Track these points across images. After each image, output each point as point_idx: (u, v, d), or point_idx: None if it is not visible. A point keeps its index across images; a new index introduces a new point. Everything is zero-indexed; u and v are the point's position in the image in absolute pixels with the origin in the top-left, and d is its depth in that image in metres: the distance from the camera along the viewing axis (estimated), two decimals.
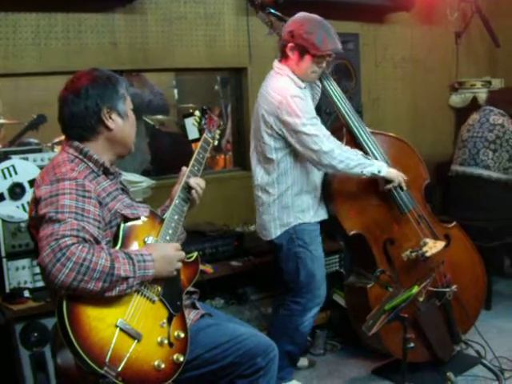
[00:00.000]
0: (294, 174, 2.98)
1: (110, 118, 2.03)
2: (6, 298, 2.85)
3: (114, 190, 2.04)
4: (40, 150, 3.13)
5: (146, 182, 3.39)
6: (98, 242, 1.84)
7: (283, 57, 2.97)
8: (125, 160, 3.84)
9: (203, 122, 2.35)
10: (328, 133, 2.92)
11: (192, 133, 2.39)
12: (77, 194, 1.86)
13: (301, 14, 2.94)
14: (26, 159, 2.98)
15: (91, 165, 2.00)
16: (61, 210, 1.80)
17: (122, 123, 2.07)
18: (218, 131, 2.41)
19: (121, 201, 2.03)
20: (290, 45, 2.90)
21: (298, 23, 2.89)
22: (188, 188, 2.18)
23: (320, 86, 3.18)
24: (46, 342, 2.80)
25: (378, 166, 2.97)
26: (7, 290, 2.87)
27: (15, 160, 2.94)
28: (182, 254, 2.03)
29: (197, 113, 2.37)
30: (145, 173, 4.01)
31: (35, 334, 2.79)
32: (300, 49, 2.88)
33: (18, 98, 4.30)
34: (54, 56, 3.41)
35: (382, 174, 2.98)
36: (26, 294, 2.86)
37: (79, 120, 2.01)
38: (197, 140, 2.34)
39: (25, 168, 2.93)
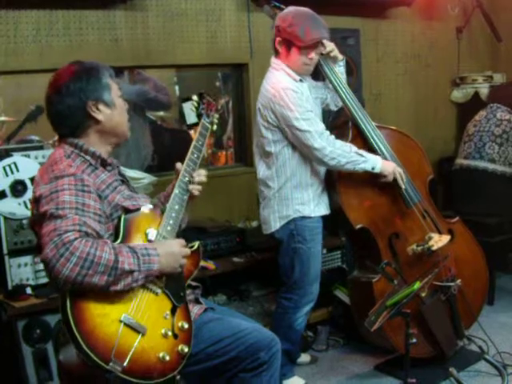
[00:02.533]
0: (292, 166, 2.98)
1: (97, 109, 2.01)
2: (9, 295, 2.85)
3: (113, 181, 2.03)
4: (41, 147, 3.12)
5: (147, 178, 3.39)
6: (100, 236, 1.85)
7: (275, 52, 3.00)
8: (130, 156, 3.89)
9: (201, 107, 2.32)
10: (321, 128, 2.91)
11: (190, 118, 2.37)
12: (76, 189, 1.86)
13: (288, 9, 2.96)
14: (28, 156, 2.98)
15: (88, 158, 2.00)
16: (61, 206, 1.80)
17: (111, 112, 2.04)
18: (217, 115, 2.38)
19: (121, 192, 2.03)
20: (278, 39, 2.94)
21: (282, 18, 2.92)
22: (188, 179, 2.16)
23: (326, 87, 3.20)
24: (49, 338, 2.80)
25: (372, 163, 2.96)
26: (9, 287, 2.87)
27: (17, 157, 2.94)
28: (188, 251, 2.02)
29: (194, 97, 2.33)
30: (148, 168, 4.01)
31: (37, 331, 2.79)
32: (286, 42, 2.92)
33: (19, 96, 4.29)
34: (55, 53, 3.41)
35: (376, 171, 2.97)
36: (29, 290, 2.86)
37: (66, 118, 2.00)
38: (195, 125, 2.31)
39: (26, 165, 2.93)
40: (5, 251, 2.88)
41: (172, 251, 1.95)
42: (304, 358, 3.46)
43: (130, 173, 3.32)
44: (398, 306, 2.56)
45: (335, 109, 3.29)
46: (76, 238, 1.74)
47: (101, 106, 2.02)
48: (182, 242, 2.02)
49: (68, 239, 1.73)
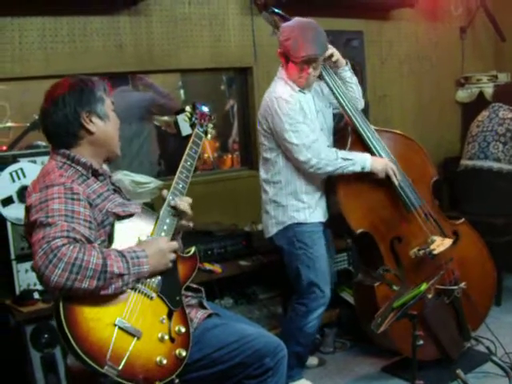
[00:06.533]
0: (286, 174, 3.01)
1: (91, 121, 2.05)
2: (16, 300, 2.87)
3: (104, 191, 2.05)
4: (48, 153, 3.13)
5: (153, 182, 3.40)
6: (89, 242, 1.85)
7: (281, 62, 3.03)
8: (136, 161, 3.90)
9: (194, 117, 2.33)
10: (309, 141, 2.90)
11: (185, 129, 2.39)
12: (65, 197, 1.88)
13: (292, 20, 2.97)
14: (34, 162, 3.01)
15: (80, 168, 2.02)
16: (51, 214, 1.82)
17: (103, 125, 2.08)
18: (211, 125, 2.39)
19: (112, 200, 2.04)
20: (279, 51, 2.97)
21: (282, 30, 2.94)
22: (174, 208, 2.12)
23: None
24: (57, 343, 2.81)
25: (361, 163, 2.96)
26: (17, 292, 2.89)
27: (23, 163, 2.97)
28: (174, 244, 2.02)
29: (187, 108, 2.35)
30: (154, 173, 4.02)
31: (45, 336, 2.81)
32: (284, 55, 2.95)
33: (25, 101, 4.32)
34: (60, 59, 3.43)
35: (366, 170, 2.98)
36: (36, 295, 2.87)
37: (61, 129, 2.03)
38: (190, 136, 2.32)
39: (33, 171, 2.93)
40: (12, 256, 2.90)
41: (159, 248, 1.95)
42: (311, 360, 3.46)
43: (136, 177, 3.34)
44: (404, 308, 2.56)
45: None
46: (64, 244, 1.75)
47: (94, 118, 2.06)
48: (167, 239, 2.02)
49: (56, 245, 1.74)
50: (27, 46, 3.34)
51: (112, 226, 1.98)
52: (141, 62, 3.71)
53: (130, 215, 2.03)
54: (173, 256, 2.00)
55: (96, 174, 2.06)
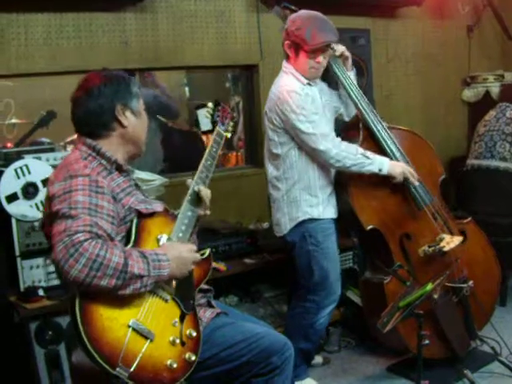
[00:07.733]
0: (300, 169, 2.98)
1: (124, 115, 2.04)
2: (21, 297, 2.86)
3: (127, 186, 2.02)
4: (53, 150, 3.14)
5: (158, 180, 3.39)
6: (111, 239, 1.83)
7: (286, 55, 3.01)
8: (143, 158, 3.90)
9: (216, 115, 2.32)
10: (326, 131, 2.91)
11: (205, 124, 2.37)
12: (90, 189, 1.85)
13: (298, 12, 2.97)
14: (39, 159, 3.00)
15: (104, 162, 1.99)
16: (74, 206, 1.79)
17: (135, 121, 2.07)
18: (232, 123, 2.39)
19: (135, 196, 2.02)
20: (286, 43, 2.95)
21: (291, 21, 2.93)
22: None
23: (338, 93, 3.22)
24: (61, 340, 2.81)
25: (379, 164, 2.95)
26: (22, 289, 2.89)
27: (28, 160, 2.96)
28: (197, 256, 2.01)
29: (210, 104, 2.35)
30: (159, 172, 4.02)
31: (50, 333, 2.81)
32: (294, 46, 2.93)
33: (30, 98, 4.32)
34: (65, 55, 3.43)
35: (383, 173, 2.96)
36: (41, 292, 2.87)
37: (94, 118, 2.01)
38: (209, 132, 2.31)
39: (38, 167, 2.95)
40: (17, 253, 2.90)
41: (182, 256, 1.93)
42: (316, 359, 3.44)
43: (142, 174, 3.32)
44: (410, 308, 2.55)
45: (347, 119, 3.29)
46: (86, 239, 1.72)
47: (127, 113, 2.05)
48: (192, 247, 2.00)
49: (78, 240, 1.71)
50: (32, 42, 3.33)
51: (131, 222, 1.95)
52: (146, 59, 3.71)
53: (153, 213, 2.01)
54: (192, 267, 1.98)
55: (120, 169, 2.04)
